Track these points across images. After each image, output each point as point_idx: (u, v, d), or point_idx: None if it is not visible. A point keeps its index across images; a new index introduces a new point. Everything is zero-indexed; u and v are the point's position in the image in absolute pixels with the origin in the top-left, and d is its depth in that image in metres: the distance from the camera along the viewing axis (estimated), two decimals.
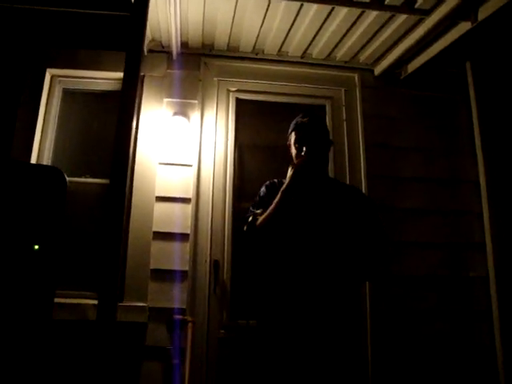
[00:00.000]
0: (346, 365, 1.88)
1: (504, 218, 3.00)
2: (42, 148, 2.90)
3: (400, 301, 2.89)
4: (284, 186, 1.93)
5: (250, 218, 1.98)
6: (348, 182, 2.93)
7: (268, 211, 1.93)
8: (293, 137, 2.07)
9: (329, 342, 1.85)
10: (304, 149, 1.99)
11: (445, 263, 3.00)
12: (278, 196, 1.92)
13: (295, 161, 2.02)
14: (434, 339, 2.88)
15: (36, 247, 1.61)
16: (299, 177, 1.92)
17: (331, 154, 3.00)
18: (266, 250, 1.97)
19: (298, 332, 1.85)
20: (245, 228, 2.00)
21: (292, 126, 2.11)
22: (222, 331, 2.74)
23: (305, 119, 2.06)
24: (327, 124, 3.05)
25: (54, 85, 3.02)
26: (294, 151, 2.07)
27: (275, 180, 2.15)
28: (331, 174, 2.99)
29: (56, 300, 1.66)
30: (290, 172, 1.95)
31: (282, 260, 1.92)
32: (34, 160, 2.82)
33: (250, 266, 2.78)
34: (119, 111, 1.99)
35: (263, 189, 2.13)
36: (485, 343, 2.89)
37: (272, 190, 2.06)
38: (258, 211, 1.99)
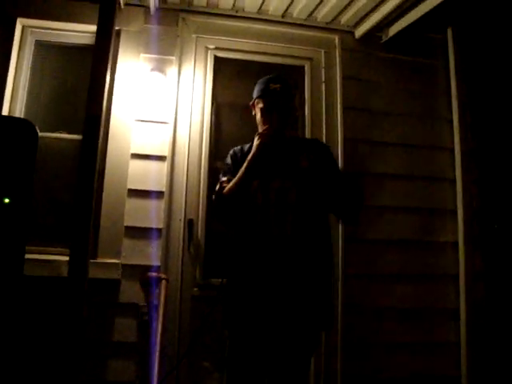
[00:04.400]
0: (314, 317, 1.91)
1: (476, 186, 3.06)
2: (13, 101, 2.82)
3: (370, 264, 2.95)
4: (250, 156, 1.92)
5: (217, 187, 1.99)
6: None
7: (234, 180, 1.94)
8: (261, 102, 2.01)
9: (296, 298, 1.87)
10: (272, 118, 1.96)
11: (416, 228, 3.05)
12: (244, 165, 1.92)
13: (261, 129, 2.00)
14: (400, 299, 2.97)
15: (6, 200, 1.58)
16: (266, 147, 1.90)
17: (308, 116, 3.01)
18: (234, 217, 1.99)
19: (265, 288, 1.87)
20: (213, 197, 2.03)
21: (261, 89, 2.03)
22: (196, 289, 2.76)
23: (277, 86, 1.99)
24: (305, 85, 3.08)
25: (26, 36, 2.89)
26: (259, 117, 2.03)
27: (240, 147, 2.14)
28: (308, 135, 3.00)
29: (28, 256, 1.65)
30: (256, 141, 1.92)
31: (249, 227, 1.94)
32: (5, 113, 2.72)
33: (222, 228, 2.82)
34: (92, 65, 1.94)
35: (228, 157, 2.13)
36: (450, 306, 2.99)
37: (236, 159, 2.07)
38: (225, 179, 2.00)
